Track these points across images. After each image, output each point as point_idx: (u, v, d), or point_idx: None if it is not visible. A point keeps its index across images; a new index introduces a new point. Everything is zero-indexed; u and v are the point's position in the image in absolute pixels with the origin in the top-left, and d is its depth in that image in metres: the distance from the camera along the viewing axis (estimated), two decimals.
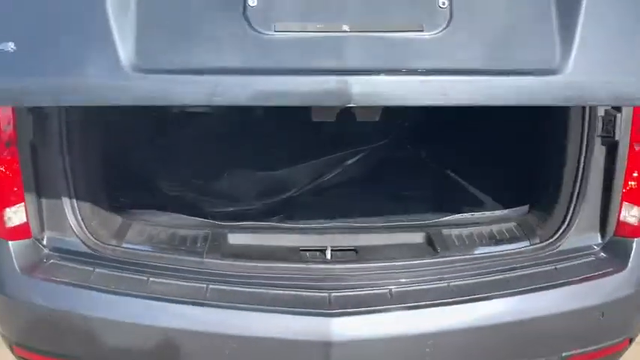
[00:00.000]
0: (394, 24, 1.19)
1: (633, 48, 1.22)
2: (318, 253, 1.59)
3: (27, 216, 1.52)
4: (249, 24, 1.17)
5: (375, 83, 1.15)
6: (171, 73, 1.17)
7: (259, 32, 1.17)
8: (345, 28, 1.17)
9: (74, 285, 1.46)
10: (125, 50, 1.16)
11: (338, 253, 1.59)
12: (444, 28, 1.18)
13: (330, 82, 1.13)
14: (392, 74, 1.15)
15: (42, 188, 1.53)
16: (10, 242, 1.51)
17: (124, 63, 1.15)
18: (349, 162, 2.13)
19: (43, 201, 1.54)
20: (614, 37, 1.23)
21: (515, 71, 1.18)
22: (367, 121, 2.11)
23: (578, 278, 1.51)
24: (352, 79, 1.12)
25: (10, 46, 1.12)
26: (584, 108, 1.54)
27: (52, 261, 1.53)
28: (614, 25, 1.23)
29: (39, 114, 1.48)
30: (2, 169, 1.47)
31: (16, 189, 1.50)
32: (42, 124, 1.49)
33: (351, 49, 1.16)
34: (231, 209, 1.91)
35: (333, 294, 1.43)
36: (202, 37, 1.19)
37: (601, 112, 1.53)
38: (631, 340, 1.64)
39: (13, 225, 1.51)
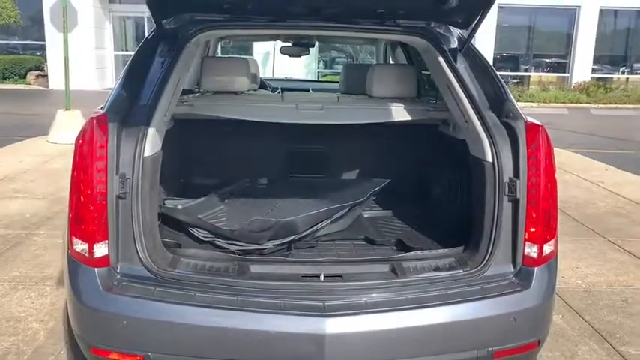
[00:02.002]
0: None
1: None
2: (315, 277, 2.21)
3: (108, 250, 2.09)
4: None
5: None
6: None
7: None
8: None
9: (142, 298, 2.02)
10: None
11: (329, 277, 2.20)
12: None
13: None
14: None
15: (120, 230, 2.11)
16: (95, 268, 2.08)
17: None
18: (336, 215, 2.74)
19: (120, 239, 2.11)
20: None
21: None
22: (348, 185, 2.86)
23: (496, 293, 2.13)
24: None
25: None
26: (494, 176, 2.22)
27: (123, 283, 2.09)
28: None
29: (122, 177, 2.10)
30: (95, 216, 2.08)
31: (102, 230, 2.08)
32: (124, 184, 2.10)
33: None
34: (252, 248, 2.51)
35: (327, 302, 2.02)
36: None
37: (506, 179, 2.21)
38: (539, 342, 2.24)
39: (98, 256, 2.08)
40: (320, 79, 16.07)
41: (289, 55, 5.08)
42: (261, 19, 2.53)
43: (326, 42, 6.24)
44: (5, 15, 18.66)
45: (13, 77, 19.65)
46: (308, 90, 4.68)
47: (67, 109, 9.54)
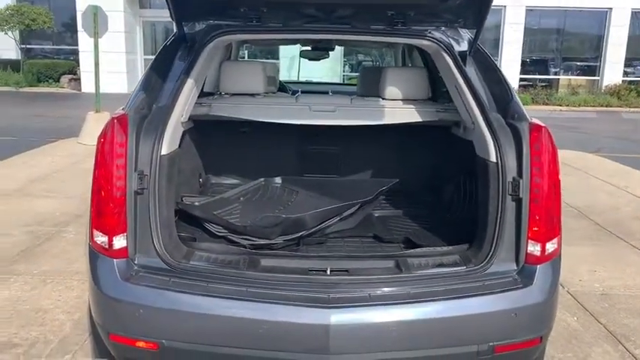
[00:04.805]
0: None
1: None
2: (321, 271, 2.29)
3: (127, 242, 2.20)
4: None
5: None
6: None
7: None
8: None
9: (158, 288, 2.13)
10: None
11: (335, 272, 2.28)
12: None
13: None
14: None
15: (137, 223, 2.22)
16: (114, 260, 2.19)
17: None
18: (345, 213, 2.81)
19: (138, 232, 2.22)
20: None
21: None
22: (358, 185, 2.95)
23: (498, 290, 2.16)
24: None
25: None
26: (498, 176, 2.26)
27: (140, 274, 2.19)
28: None
29: (140, 174, 2.22)
30: (115, 210, 2.20)
31: (121, 224, 2.19)
32: (142, 180, 2.21)
33: None
34: (262, 243, 2.61)
35: (332, 295, 2.10)
36: None
37: (510, 178, 2.25)
38: (542, 339, 2.26)
39: (117, 248, 2.19)
40: (345, 82, 16.16)
41: (309, 59, 5.20)
42: (276, 24, 2.63)
43: (341, 46, 6.36)
44: (40, 21, 19.28)
45: (47, 81, 20.27)
46: (327, 92, 4.78)
47: (97, 112, 9.83)
